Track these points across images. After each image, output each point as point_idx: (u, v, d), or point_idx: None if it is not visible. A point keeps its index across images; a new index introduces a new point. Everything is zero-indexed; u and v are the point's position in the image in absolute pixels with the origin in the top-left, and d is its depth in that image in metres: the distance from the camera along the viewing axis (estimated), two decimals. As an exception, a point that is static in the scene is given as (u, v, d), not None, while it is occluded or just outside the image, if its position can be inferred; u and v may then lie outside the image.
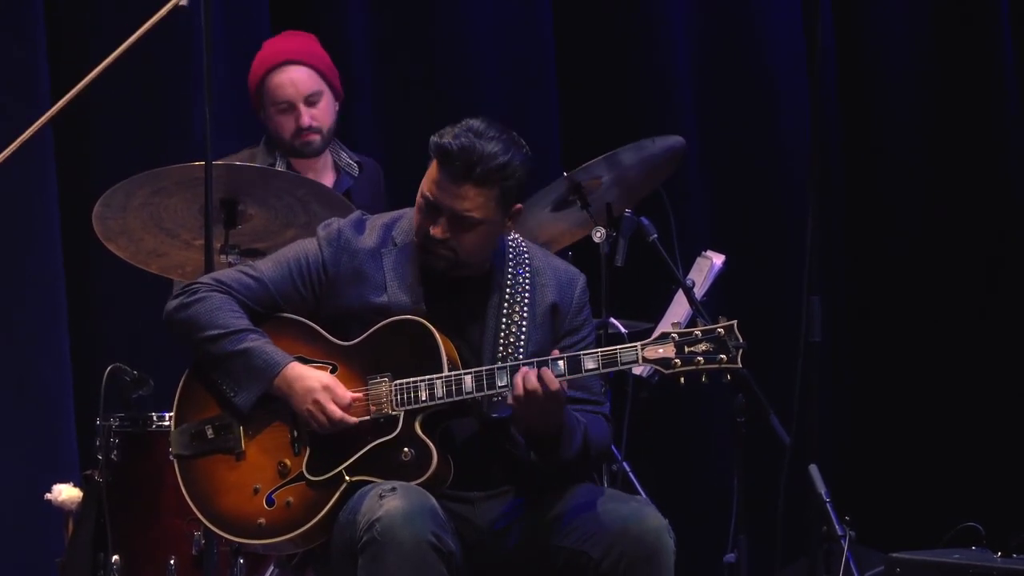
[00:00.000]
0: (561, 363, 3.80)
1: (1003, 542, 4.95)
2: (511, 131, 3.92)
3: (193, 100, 5.73)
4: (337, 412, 3.85)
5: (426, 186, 3.90)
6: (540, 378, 3.75)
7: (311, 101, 5.27)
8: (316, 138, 5.27)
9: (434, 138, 3.89)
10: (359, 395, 3.88)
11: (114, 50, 5.72)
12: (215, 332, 3.91)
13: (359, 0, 6.30)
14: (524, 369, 3.78)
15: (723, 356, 3.76)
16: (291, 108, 5.26)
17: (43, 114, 5.58)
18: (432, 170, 3.90)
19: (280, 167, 5.23)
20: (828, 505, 4.27)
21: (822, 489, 4.27)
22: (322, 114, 5.28)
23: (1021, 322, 6.90)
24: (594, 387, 4.01)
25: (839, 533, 4.27)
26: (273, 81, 5.28)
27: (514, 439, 3.94)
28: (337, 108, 5.35)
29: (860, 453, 6.92)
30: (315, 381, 3.87)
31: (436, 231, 3.88)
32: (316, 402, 3.85)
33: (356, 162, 5.39)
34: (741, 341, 3.76)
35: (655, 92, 6.78)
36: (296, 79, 5.28)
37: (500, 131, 3.89)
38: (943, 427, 6.86)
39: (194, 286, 3.99)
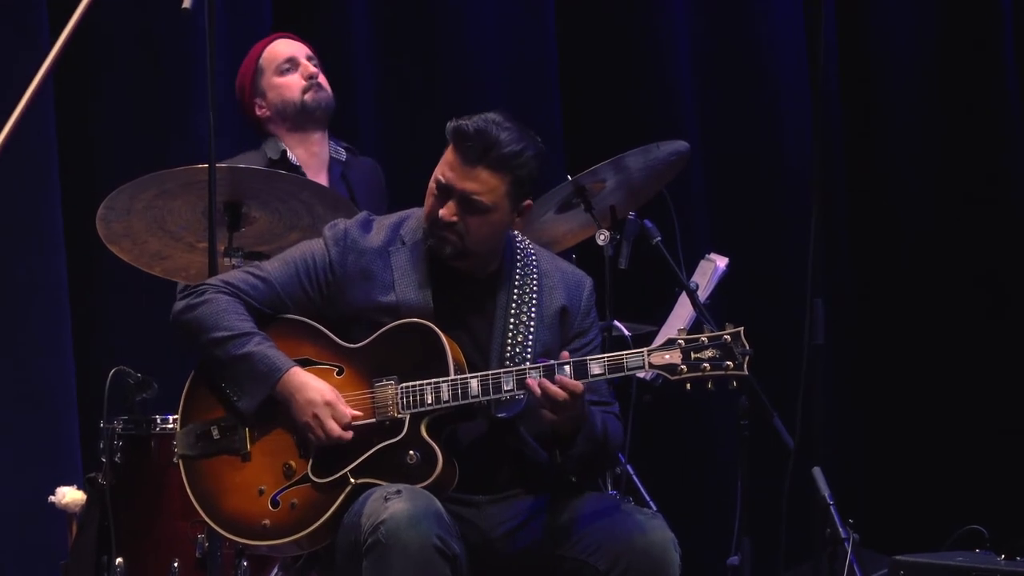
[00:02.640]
0: (568, 368, 3.81)
1: (1007, 544, 4.95)
2: (528, 128, 3.96)
3: (195, 102, 5.74)
4: (336, 430, 3.84)
5: (439, 170, 3.93)
6: (562, 385, 3.77)
7: (313, 61, 5.30)
8: (323, 91, 5.27)
9: (451, 122, 3.92)
10: (359, 413, 3.87)
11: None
12: (220, 335, 3.91)
13: (361, 4, 6.30)
14: (535, 382, 3.78)
15: (729, 363, 3.77)
16: (294, 65, 5.27)
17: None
18: (447, 154, 3.92)
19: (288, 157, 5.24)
20: (832, 508, 4.27)
21: (826, 492, 4.27)
22: (324, 78, 5.30)
23: (1025, 324, 6.91)
24: (602, 388, 4.01)
25: (843, 536, 4.26)
26: (271, 49, 5.32)
27: (523, 438, 3.94)
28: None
29: (864, 456, 6.92)
30: (317, 394, 3.86)
31: (445, 212, 3.90)
32: (315, 416, 3.85)
33: (343, 147, 5.39)
34: (747, 348, 3.77)
35: (657, 94, 6.78)
36: (295, 43, 5.34)
37: (517, 124, 3.94)
38: (947, 430, 6.86)
39: (201, 287, 3.99)
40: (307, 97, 5.26)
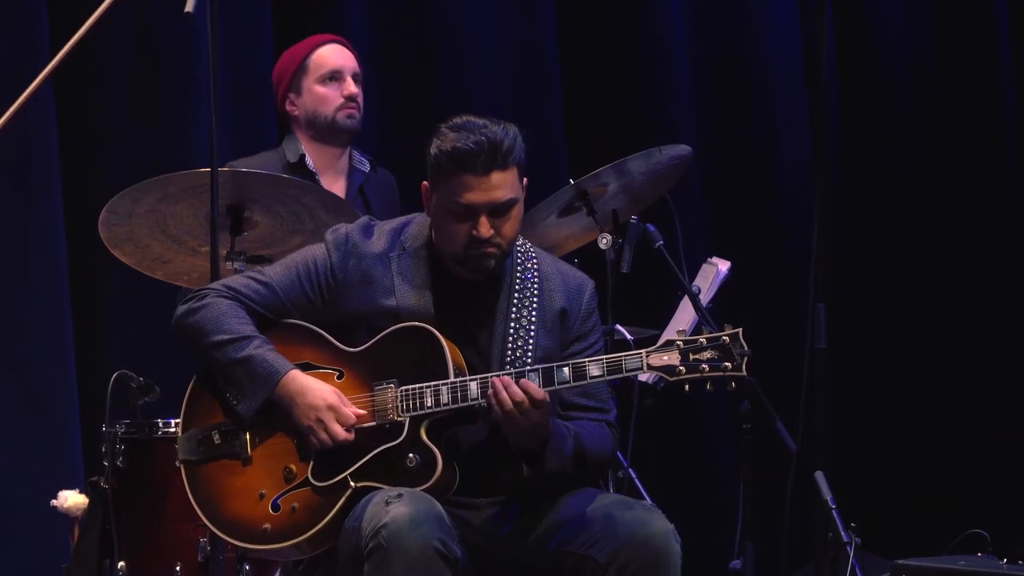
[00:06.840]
0: (566, 370, 3.81)
1: (1009, 548, 4.95)
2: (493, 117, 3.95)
3: (196, 105, 5.74)
4: (340, 433, 3.84)
5: (453, 197, 3.87)
6: (524, 389, 3.76)
7: (356, 80, 5.29)
8: (357, 114, 5.26)
9: (440, 151, 3.87)
10: (364, 413, 3.88)
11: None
12: (220, 338, 3.91)
13: (361, 8, 6.30)
14: (498, 380, 3.78)
15: (728, 364, 3.77)
16: (339, 77, 5.25)
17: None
18: (452, 183, 3.87)
19: (305, 161, 5.22)
20: (834, 512, 4.25)
21: (828, 496, 4.26)
22: (361, 98, 5.29)
23: (1026, 326, 6.92)
24: (600, 394, 4.01)
25: (845, 540, 4.26)
26: (322, 52, 5.30)
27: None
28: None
29: (866, 460, 6.92)
30: (319, 398, 3.86)
31: (483, 230, 3.87)
32: (319, 420, 3.85)
33: (367, 159, 5.38)
34: (746, 349, 3.77)
35: (657, 97, 6.78)
36: (347, 54, 5.33)
37: (488, 118, 3.92)
38: (949, 434, 6.87)
39: (203, 291, 4.00)
40: (340, 116, 5.24)
